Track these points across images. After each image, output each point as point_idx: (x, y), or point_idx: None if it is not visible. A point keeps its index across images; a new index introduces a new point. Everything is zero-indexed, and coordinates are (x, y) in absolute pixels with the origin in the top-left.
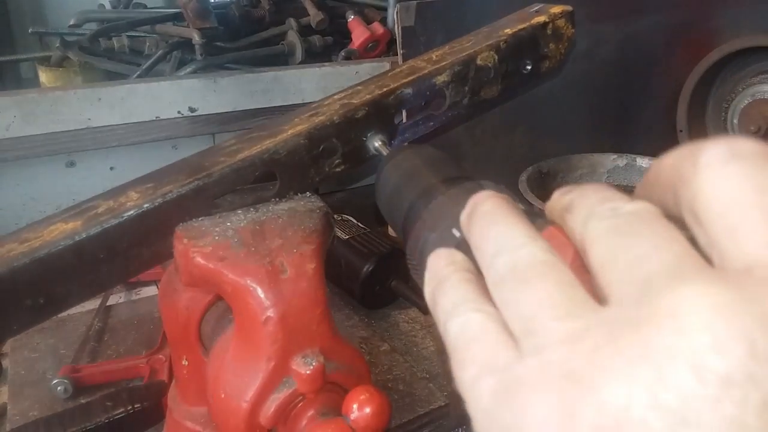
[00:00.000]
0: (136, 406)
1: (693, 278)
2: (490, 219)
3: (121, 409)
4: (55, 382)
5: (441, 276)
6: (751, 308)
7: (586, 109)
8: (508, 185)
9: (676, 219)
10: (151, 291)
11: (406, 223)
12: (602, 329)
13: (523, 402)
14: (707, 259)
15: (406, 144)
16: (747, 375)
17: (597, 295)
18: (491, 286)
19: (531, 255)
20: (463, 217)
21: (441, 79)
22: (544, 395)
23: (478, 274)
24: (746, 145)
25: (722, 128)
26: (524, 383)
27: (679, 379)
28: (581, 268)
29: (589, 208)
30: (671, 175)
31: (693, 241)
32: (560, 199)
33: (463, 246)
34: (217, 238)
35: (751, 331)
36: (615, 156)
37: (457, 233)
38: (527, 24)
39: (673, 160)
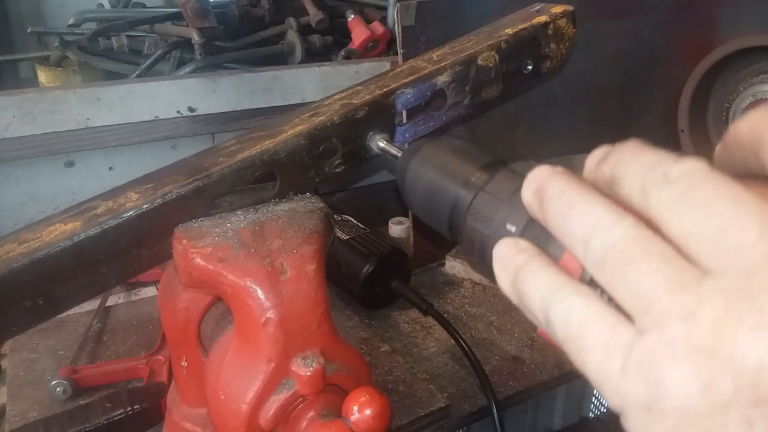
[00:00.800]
0: (135, 407)
1: None
2: (566, 201)
3: (121, 410)
4: (54, 383)
5: (516, 265)
6: None
7: (586, 109)
8: (516, 161)
9: (755, 175)
10: (150, 292)
11: (452, 220)
12: (717, 301)
13: (658, 376)
14: None
15: (422, 139)
16: None
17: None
18: (592, 267)
19: (627, 233)
20: (530, 200)
21: (442, 79)
22: (680, 368)
23: (548, 256)
24: None
25: (723, 128)
26: (655, 358)
27: None
28: None
29: (639, 178)
30: (751, 138)
31: None
32: (598, 169)
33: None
34: (216, 239)
35: None
36: None
37: (512, 228)
38: (528, 24)
39: (750, 123)
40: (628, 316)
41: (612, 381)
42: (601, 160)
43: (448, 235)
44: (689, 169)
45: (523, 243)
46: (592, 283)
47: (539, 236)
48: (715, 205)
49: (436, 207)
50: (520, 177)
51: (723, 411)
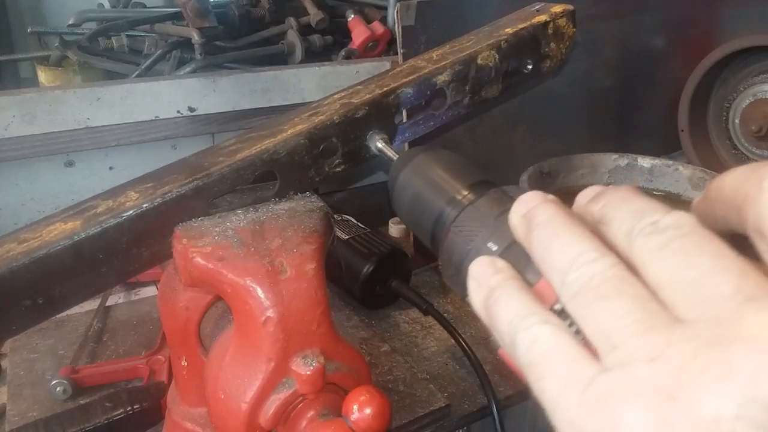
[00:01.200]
0: (135, 406)
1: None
2: (551, 230)
3: (121, 410)
4: (54, 382)
5: (491, 285)
6: None
7: (587, 109)
8: (508, 185)
9: (737, 235)
10: (150, 291)
11: (435, 232)
12: (685, 347)
13: (615, 414)
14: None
15: (416, 148)
16: None
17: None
18: (566, 298)
19: (606, 270)
20: (517, 223)
21: (442, 78)
22: (638, 409)
23: (524, 280)
24: None
25: (723, 128)
26: (615, 396)
27: (764, 393)
28: None
29: (628, 222)
30: (734, 193)
31: (757, 257)
32: (588, 206)
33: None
34: (216, 238)
35: None
36: (616, 156)
37: (493, 247)
38: (528, 23)
39: (735, 178)
40: (594, 353)
41: (568, 413)
42: (593, 198)
43: (430, 245)
44: (677, 220)
45: (501, 263)
46: (562, 314)
47: (519, 260)
48: (695, 257)
49: (421, 216)
50: (510, 199)
51: None
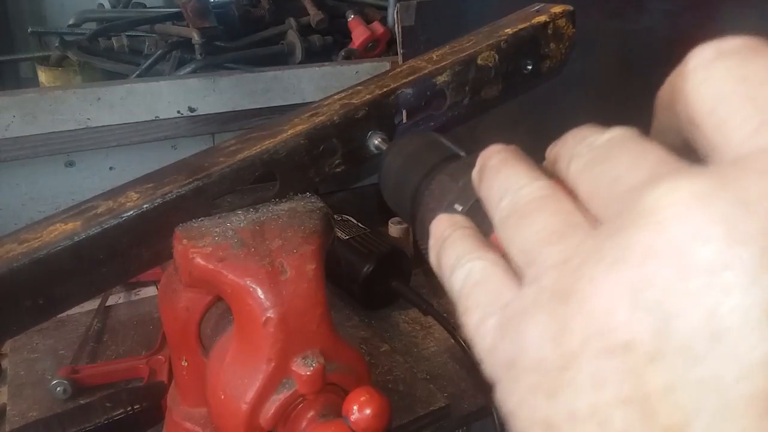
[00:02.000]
0: (135, 407)
1: (669, 177)
2: (496, 170)
3: (121, 410)
4: (54, 382)
5: (443, 237)
6: (728, 193)
7: (586, 109)
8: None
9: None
10: (150, 291)
11: (413, 208)
12: (588, 244)
13: (520, 330)
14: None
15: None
16: (727, 260)
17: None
18: (497, 229)
19: (531, 192)
20: (474, 174)
21: (441, 79)
22: (538, 317)
23: (480, 232)
24: (732, 41)
25: None
26: (521, 312)
27: (660, 275)
28: None
29: (570, 150)
30: (669, 95)
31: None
32: (549, 154)
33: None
34: (216, 238)
35: (730, 214)
36: None
37: (459, 207)
38: (528, 24)
39: (668, 80)
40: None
41: (485, 341)
42: (556, 142)
43: (412, 225)
44: (615, 134)
45: (458, 218)
46: None
47: (482, 217)
48: (617, 159)
49: (402, 198)
50: None
51: (572, 364)
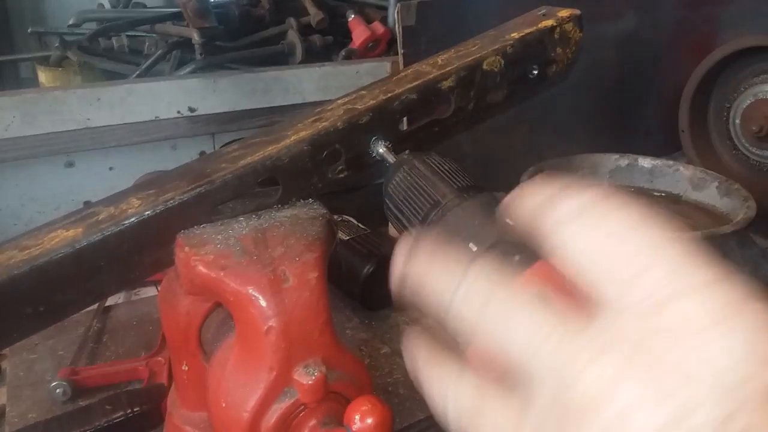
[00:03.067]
0: (135, 409)
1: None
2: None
3: (121, 413)
4: (53, 384)
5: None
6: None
7: (587, 109)
8: (508, 185)
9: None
10: (150, 292)
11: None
12: None
13: None
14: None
15: (413, 152)
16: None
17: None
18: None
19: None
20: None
21: (446, 84)
22: None
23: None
24: (587, 195)
25: (724, 128)
26: None
27: None
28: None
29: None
30: (528, 222)
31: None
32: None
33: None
34: (218, 246)
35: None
36: (617, 156)
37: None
38: (534, 28)
39: (528, 208)
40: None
41: None
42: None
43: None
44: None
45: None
46: None
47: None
48: (513, 317)
49: (409, 222)
50: (496, 203)
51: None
